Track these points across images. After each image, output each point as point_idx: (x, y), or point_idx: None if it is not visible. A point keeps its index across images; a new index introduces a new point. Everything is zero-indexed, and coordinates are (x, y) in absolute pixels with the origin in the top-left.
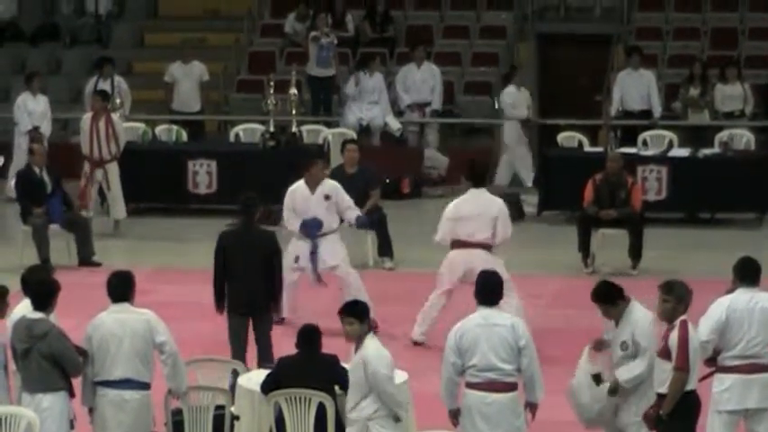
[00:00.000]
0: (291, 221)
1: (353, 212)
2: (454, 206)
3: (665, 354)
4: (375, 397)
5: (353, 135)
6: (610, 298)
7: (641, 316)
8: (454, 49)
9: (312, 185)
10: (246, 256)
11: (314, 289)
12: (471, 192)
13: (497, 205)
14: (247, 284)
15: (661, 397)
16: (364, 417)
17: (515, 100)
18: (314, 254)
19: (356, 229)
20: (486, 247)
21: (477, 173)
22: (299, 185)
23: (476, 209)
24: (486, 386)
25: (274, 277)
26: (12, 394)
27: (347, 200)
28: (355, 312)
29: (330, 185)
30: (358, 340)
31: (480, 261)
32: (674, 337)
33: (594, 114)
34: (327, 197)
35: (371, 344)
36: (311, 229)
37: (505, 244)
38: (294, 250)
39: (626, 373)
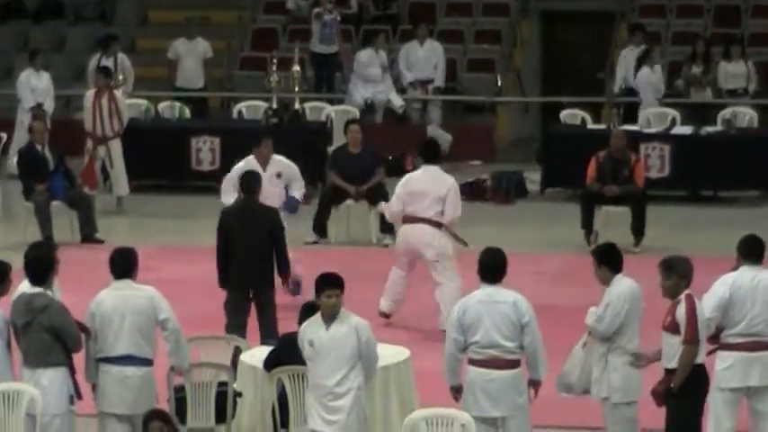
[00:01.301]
0: (228, 195)
1: (295, 194)
2: (405, 182)
3: (672, 328)
4: (360, 366)
5: (356, 114)
6: (601, 257)
7: (612, 290)
8: (457, 26)
9: (263, 163)
10: (249, 234)
11: None
12: (424, 168)
13: (448, 184)
14: (250, 262)
15: (669, 372)
16: (356, 387)
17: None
18: None
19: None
20: (434, 223)
21: (430, 149)
22: (249, 162)
23: (426, 186)
24: (489, 363)
25: (278, 254)
26: (14, 371)
27: (299, 179)
28: (338, 283)
29: (282, 164)
30: (336, 312)
31: (427, 237)
32: (681, 310)
33: (597, 92)
34: (279, 175)
35: (351, 313)
36: (293, 205)
37: (455, 224)
38: None
39: (590, 316)
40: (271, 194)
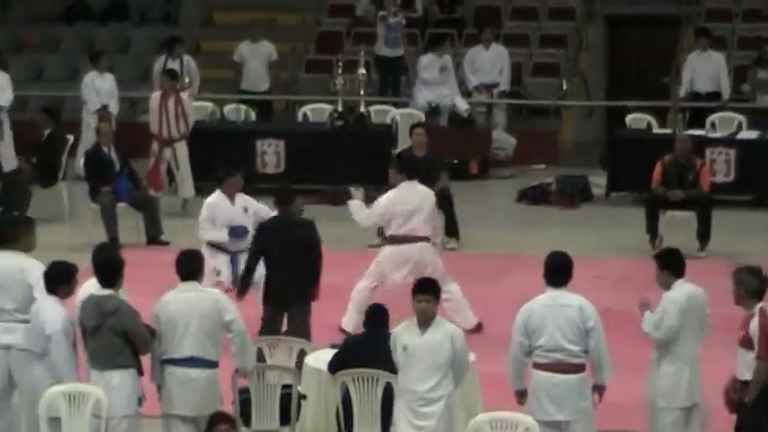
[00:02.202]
0: (210, 232)
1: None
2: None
3: (746, 343)
4: (452, 373)
5: (421, 117)
6: (663, 261)
7: (669, 295)
8: (522, 30)
9: (231, 196)
10: (286, 247)
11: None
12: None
13: (429, 199)
14: (288, 275)
15: (744, 383)
16: (447, 394)
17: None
18: (234, 264)
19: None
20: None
21: (405, 166)
22: (218, 197)
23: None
24: (554, 367)
25: (314, 266)
26: (81, 372)
27: (263, 209)
28: (431, 289)
29: (245, 198)
30: (431, 318)
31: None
32: (754, 325)
33: (663, 96)
34: (246, 209)
35: (445, 320)
36: (240, 234)
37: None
38: (214, 263)
39: (646, 323)
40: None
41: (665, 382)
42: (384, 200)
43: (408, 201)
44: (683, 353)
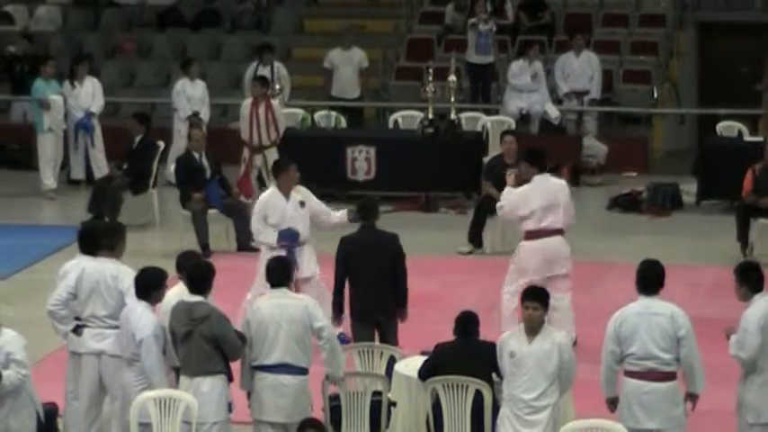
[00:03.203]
0: (264, 233)
1: (336, 214)
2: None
3: None
4: (558, 382)
5: (512, 124)
6: (741, 275)
7: (748, 312)
8: (613, 37)
9: (286, 192)
10: (371, 262)
11: None
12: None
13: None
14: (374, 290)
15: None
16: (553, 402)
17: None
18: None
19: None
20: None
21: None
22: (272, 193)
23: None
24: (645, 375)
25: (397, 282)
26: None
27: (322, 204)
28: (540, 297)
29: (303, 191)
30: (539, 326)
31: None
32: None
33: (755, 103)
34: (302, 204)
35: (554, 329)
36: (291, 239)
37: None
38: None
39: (732, 346)
40: (295, 224)
41: (752, 397)
42: (517, 194)
43: (544, 194)
44: None
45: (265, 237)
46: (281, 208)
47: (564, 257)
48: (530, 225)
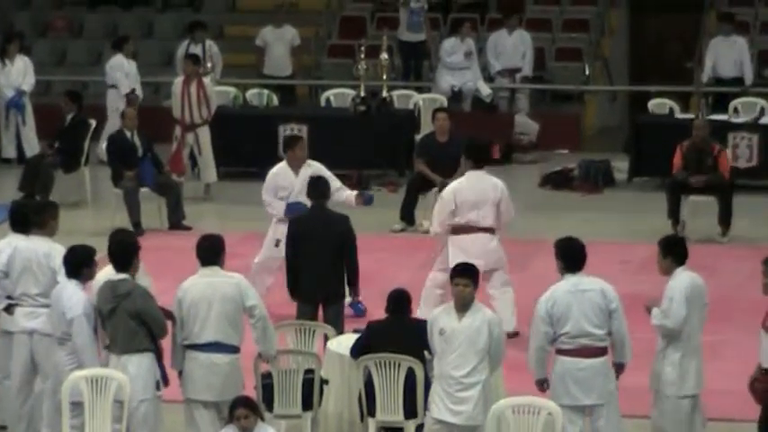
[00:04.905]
0: (274, 205)
1: (345, 191)
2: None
3: None
4: (488, 359)
5: (444, 102)
6: (666, 248)
7: (673, 284)
8: (545, 15)
9: (295, 167)
10: (320, 242)
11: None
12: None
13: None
14: (320, 271)
15: (767, 372)
16: (483, 379)
17: None
18: None
19: (364, 206)
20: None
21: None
22: (281, 167)
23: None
24: (579, 352)
25: (349, 264)
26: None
27: (335, 180)
28: (470, 274)
29: (315, 166)
30: (469, 303)
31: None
32: None
33: (686, 81)
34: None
35: (483, 305)
36: (296, 212)
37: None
38: (274, 234)
39: (655, 317)
40: (304, 200)
41: (671, 371)
42: (449, 190)
43: (473, 190)
44: (690, 341)
45: (274, 209)
46: (289, 182)
47: (493, 256)
48: (455, 219)
